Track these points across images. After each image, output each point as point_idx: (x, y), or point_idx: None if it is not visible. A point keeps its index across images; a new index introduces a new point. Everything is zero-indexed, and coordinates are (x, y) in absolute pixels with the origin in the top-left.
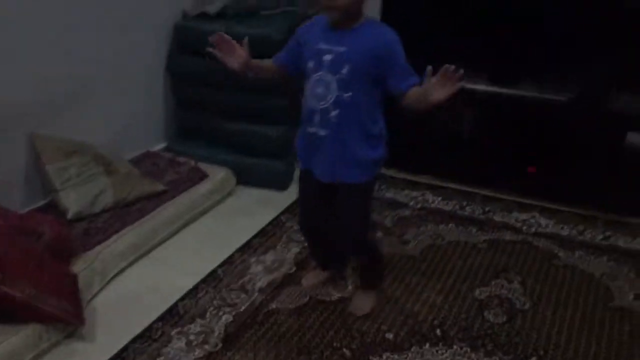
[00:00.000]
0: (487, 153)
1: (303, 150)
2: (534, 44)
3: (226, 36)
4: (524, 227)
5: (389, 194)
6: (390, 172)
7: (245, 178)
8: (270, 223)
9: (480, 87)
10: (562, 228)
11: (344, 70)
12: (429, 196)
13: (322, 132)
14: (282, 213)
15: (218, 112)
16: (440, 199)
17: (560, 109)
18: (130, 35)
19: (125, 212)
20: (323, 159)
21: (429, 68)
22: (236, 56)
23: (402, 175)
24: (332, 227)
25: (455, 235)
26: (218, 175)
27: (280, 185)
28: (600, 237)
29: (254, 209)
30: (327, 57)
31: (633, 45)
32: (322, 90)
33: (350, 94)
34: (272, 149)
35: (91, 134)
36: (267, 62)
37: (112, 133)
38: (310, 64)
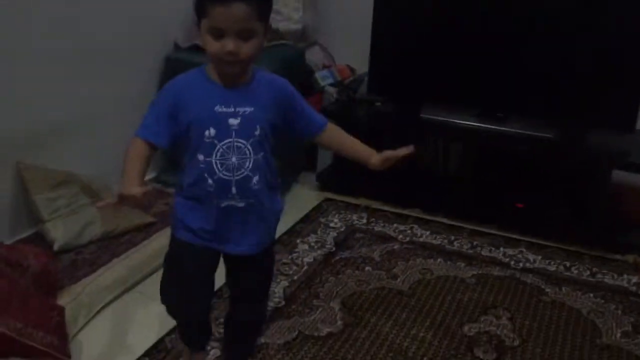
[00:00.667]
0: (475, 188)
1: (208, 226)
2: (522, 81)
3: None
4: (512, 262)
5: (378, 227)
6: (379, 205)
7: None
8: None
9: (469, 123)
10: (549, 264)
11: (257, 132)
12: (417, 230)
13: (241, 204)
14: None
15: None
16: (428, 233)
17: (548, 146)
18: (121, 67)
19: (114, 244)
20: (246, 230)
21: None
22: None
23: (390, 208)
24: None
25: (444, 269)
26: None
27: None
28: (587, 273)
29: None
30: (234, 121)
31: (616, 83)
32: (236, 159)
33: (262, 153)
34: None
35: (79, 164)
36: (142, 159)
37: (100, 163)
38: (210, 132)
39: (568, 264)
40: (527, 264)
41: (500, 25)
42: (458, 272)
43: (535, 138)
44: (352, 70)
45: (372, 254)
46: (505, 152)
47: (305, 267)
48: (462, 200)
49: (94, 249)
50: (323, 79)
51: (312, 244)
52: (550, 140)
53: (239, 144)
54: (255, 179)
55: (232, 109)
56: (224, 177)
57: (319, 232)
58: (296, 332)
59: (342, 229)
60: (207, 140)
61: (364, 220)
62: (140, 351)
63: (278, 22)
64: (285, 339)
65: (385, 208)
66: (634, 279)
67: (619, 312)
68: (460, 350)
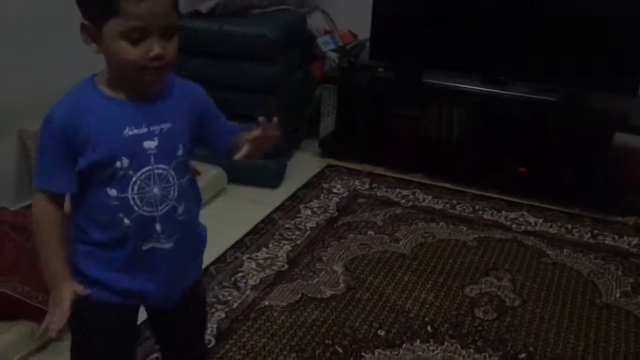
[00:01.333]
0: (478, 152)
1: (125, 275)
2: (524, 45)
3: None
4: (514, 226)
5: (380, 192)
6: (381, 171)
7: (237, 176)
8: (262, 221)
9: (472, 87)
10: (550, 226)
11: (180, 152)
12: (420, 195)
13: (168, 244)
14: (274, 211)
15: None
16: (430, 197)
17: (551, 110)
18: None
19: None
20: (173, 276)
21: (261, 119)
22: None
23: (392, 173)
24: None
25: (446, 233)
26: (210, 173)
27: (272, 183)
28: (588, 235)
29: (246, 207)
30: (151, 144)
31: (618, 46)
32: (159, 190)
33: (187, 176)
34: None
35: None
36: (58, 228)
37: None
38: (122, 162)
39: (569, 227)
40: (529, 227)
41: None
42: (460, 235)
43: (538, 102)
44: (354, 35)
45: (374, 218)
46: (508, 116)
47: (308, 232)
48: (464, 164)
49: None
50: (325, 44)
51: (315, 209)
52: (553, 104)
53: (161, 171)
54: (181, 209)
55: (146, 129)
56: (145, 213)
57: (321, 198)
58: (299, 295)
59: (345, 195)
60: (120, 173)
61: (367, 186)
62: (143, 316)
63: None
64: (288, 301)
65: (388, 173)
66: (634, 241)
67: (619, 272)
68: (462, 310)
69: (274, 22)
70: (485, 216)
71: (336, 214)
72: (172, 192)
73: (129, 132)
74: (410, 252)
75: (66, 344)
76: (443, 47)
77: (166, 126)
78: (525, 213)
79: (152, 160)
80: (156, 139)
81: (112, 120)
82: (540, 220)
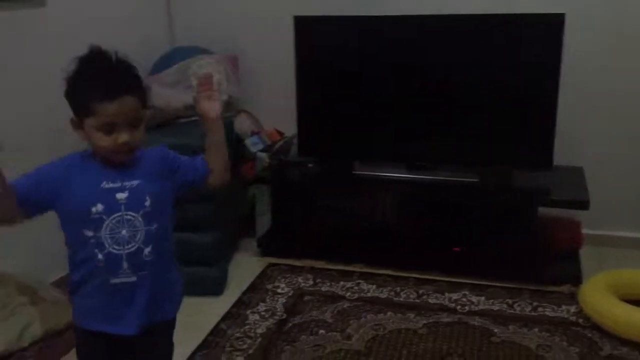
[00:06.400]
0: (412, 237)
1: (95, 311)
2: (446, 132)
3: None
4: (458, 307)
5: (325, 287)
6: (323, 265)
7: None
8: (210, 333)
9: (401, 175)
10: (492, 304)
11: (147, 203)
12: (364, 285)
13: (133, 278)
14: (222, 320)
15: None
16: (374, 287)
17: (474, 190)
18: None
19: (56, 342)
20: (136, 306)
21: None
22: None
23: (334, 266)
24: None
25: (396, 323)
26: None
27: (216, 290)
28: (529, 308)
29: (192, 321)
30: (122, 195)
31: (532, 125)
32: (126, 232)
33: (156, 225)
34: (206, 256)
35: (10, 261)
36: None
37: (31, 257)
38: (98, 207)
39: (510, 302)
40: (473, 307)
41: (420, 81)
42: (409, 324)
43: (463, 184)
44: (280, 133)
45: (323, 315)
46: (437, 199)
47: (260, 339)
48: (402, 250)
49: (37, 351)
50: (253, 145)
51: (263, 313)
52: (476, 185)
53: (129, 217)
54: (148, 250)
55: (118, 184)
56: (112, 252)
57: (267, 300)
58: None
59: (290, 294)
60: (93, 217)
61: (311, 282)
62: None
63: None
64: None
65: (330, 267)
66: (572, 309)
67: (565, 343)
68: None
69: (199, 131)
70: (430, 300)
71: (285, 315)
72: (138, 235)
73: (104, 185)
74: (365, 348)
75: None
76: (368, 138)
77: (135, 182)
78: (467, 292)
79: (123, 208)
80: (127, 191)
81: (91, 177)
82: (482, 299)
